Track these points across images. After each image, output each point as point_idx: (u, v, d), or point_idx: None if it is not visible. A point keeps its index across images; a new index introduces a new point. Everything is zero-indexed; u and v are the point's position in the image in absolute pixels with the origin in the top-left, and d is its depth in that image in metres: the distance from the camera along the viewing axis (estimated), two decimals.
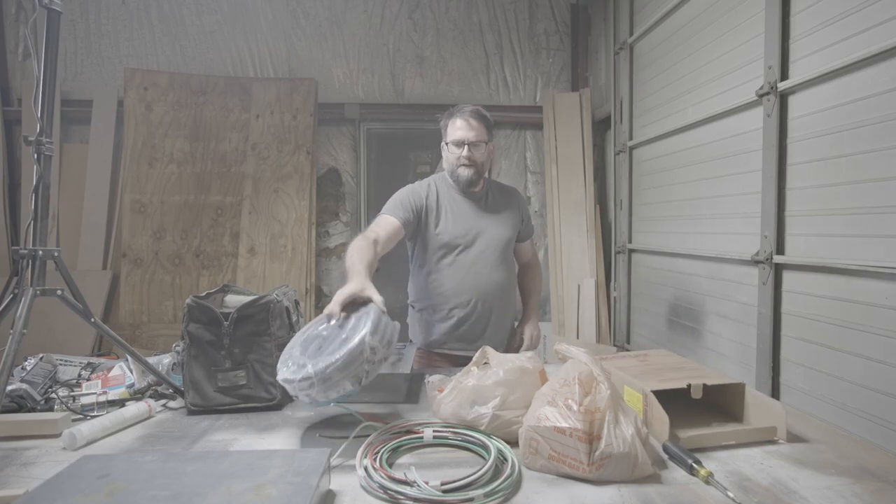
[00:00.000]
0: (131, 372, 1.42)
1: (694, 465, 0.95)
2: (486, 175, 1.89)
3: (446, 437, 1.08)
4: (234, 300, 1.43)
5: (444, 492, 0.86)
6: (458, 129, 1.77)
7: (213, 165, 3.77)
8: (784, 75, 2.11)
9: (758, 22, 2.24)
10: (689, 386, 1.14)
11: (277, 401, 1.31)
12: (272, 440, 1.14)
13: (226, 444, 1.12)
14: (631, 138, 3.55)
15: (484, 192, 1.88)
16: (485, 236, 1.82)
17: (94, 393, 1.30)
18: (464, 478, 0.89)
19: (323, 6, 4.06)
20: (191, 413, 1.28)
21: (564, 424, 0.94)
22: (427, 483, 0.87)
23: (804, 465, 1.01)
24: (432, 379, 1.25)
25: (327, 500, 0.89)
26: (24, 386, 1.26)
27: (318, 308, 3.99)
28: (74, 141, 3.85)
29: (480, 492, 0.87)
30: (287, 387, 1.06)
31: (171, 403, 1.36)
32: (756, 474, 0.97)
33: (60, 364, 1.45)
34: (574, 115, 4.00)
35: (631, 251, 3.59)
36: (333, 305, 1.16)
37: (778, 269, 2.15)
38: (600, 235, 3.91)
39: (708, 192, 2.66)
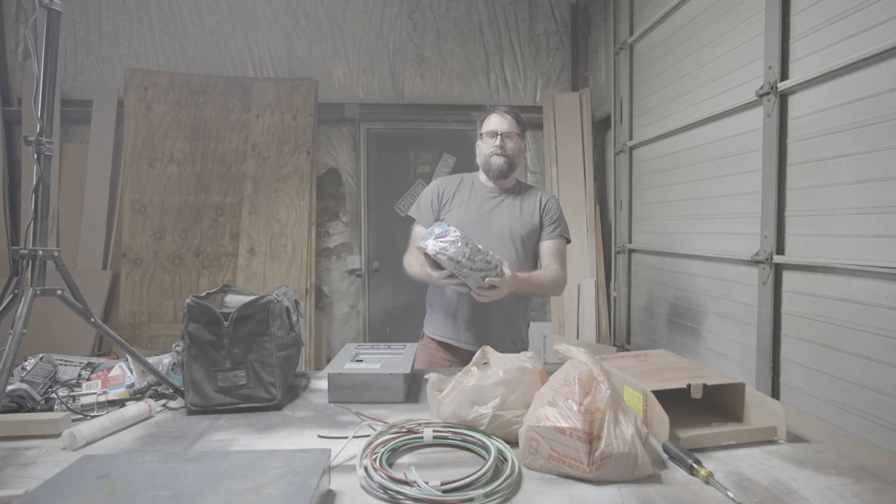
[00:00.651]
0: (131, 372, 1.42)
1: (694, 465, 0.95)
2: (515, 175, 1.97)
3: (446, 437, 1.07)
4: (234, 300, 1.44)
5: (444, 492, 0.86)
6: (493, 121, 1.89)
7: (213, 165, 3.76)
8: (784, 75, 2.11)
9: (758, 22, 2.24)
10: (689, 386, 1.14)
11: (277, 401, 1.31)
12: (272, 440, 1.14)
13: (226, 444, 1.12)
14: (631, 138, 3.55)
15: (509, 189, 1.94)
16: (490, 227, 1.84)
17: (94, 393, 1.30)
18: (464, 478, 0.89)
19: (323, 6, 4.05)
20: (191, 413, 1.28)
21: (564, 424, 0.94)
22: (427, 483, 0.87)
23: (804, 465, 1.00)
24: (432, 379, 1.25)
25: (327, 500, 0.89)
26: (24, 386, 1.26)
27: (319, 308, 4.00)
28: (74, 141, 3.85)
29: (480, 492, 0.87)
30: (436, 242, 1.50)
31: (171, 403, 1.35)
32: (756, 474, 0.97)
33: (60, 364, 1.45)
34: (574, 115, 4.00)
35: (631, 251, 3.59)
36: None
37: (778, 269, 2.15)
38: (600, 235, 3.91)
39: (708, 192, 2.66)
